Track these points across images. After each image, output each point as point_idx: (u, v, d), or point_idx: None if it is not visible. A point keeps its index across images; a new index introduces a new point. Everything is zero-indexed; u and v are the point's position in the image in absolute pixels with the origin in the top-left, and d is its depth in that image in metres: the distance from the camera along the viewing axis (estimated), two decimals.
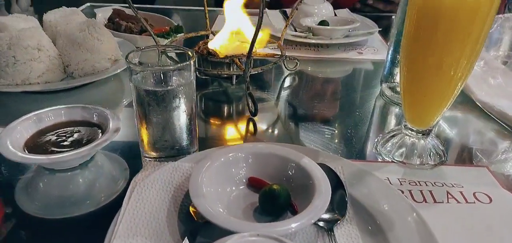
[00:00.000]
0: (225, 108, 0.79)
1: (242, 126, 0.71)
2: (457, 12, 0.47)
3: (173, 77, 0.50)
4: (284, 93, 0.84)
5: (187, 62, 0.47)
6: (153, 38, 0.76)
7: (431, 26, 0.49)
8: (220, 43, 0.78)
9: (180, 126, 0.52)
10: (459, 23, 0.48)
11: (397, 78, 0.79)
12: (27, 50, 0.69)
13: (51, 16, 0.84)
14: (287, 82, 0.89)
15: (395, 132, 0.63)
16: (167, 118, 0.50)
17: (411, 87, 0.55)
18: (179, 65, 0.47)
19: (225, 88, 0.83)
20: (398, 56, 0.77)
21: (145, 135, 0.52)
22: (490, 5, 0.47)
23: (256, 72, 0.75)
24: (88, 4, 1.39)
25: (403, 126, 0.61)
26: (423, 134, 0.59)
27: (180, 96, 0.49)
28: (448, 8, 0.47)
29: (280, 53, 0.84)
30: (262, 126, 0.71)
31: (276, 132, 0.70)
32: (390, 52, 0.79)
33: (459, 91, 0.54)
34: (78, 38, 0.74)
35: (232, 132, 0.71)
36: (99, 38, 0.76)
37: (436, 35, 0.49)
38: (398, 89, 0.77)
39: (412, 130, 0.59)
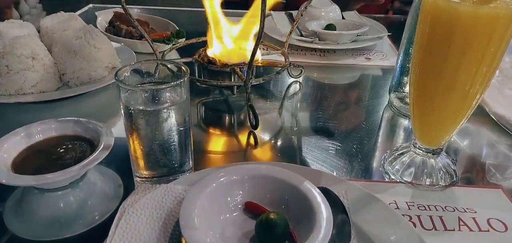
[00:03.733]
0: (225, 118, 0.76)
1: (242, 139, 0.68)
2: (474, 25, 0.43)
3: (166, 94, 0.47)
4: (287, 103, 0.81)
5: (181, 79, 0.44)
6: (150, 45, 0.73)
7: (444, 41, 0.45)
8: (220, 50, 0.75)
9: (174, 145, 0.49)
10: (475, 37, 0.44)
11: (407, 88, 0.75)
12: (21, 59, 0.67)
13: (48, 21, 0.81)
14: (291, 91, 0.86)
15: (403, 150, 0.59)
16: (159, 137, 0.48)
17: (421, 104, 0.52)
18: (172, 83, 0.43)
19: (226, 96, 0.80)
20: (408, 65, 0.73)
21: (136, 154, 0.49)
22: (510, 17, 0.43)
23: (258, 83, 0.72)
24: (91, 5, 1.37)
25: (412, 144, 0.57)
26: (433, 153, 0.55)
27: (173, 114, 0.47)
28: (463, 21, 0.43)
29: (283, 61, 0.81)
30: (263, 139, 0.68)
31: (278, 146, 0.67)
32: (399, 60, 0.75)
33: (473, 110, 0.50)
34: (74, 46, 0.72)
35: (231, 146, 0.68)
36: (96, 46, 0.73)
37: (450, 50, 0.45)
38: (408, 100, 0.73)
39: (421, 148, 0.56)
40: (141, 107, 0.45)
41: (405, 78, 0.75)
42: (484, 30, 0.43)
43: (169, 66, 0.51)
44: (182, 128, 0.48)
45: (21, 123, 0.70)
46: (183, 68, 0.46)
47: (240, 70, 0.72)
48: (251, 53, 0.63)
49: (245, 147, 0.67)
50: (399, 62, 0.75)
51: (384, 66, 0.98)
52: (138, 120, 0.46)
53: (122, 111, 0.47)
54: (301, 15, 0.80)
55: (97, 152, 0.51)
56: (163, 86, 0.44)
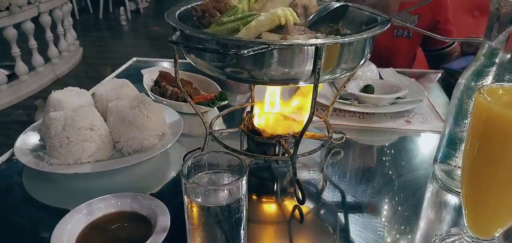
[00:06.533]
0: (269, 187, 0.78)
1: (287, 210, 0.70)
2: None
3: (228, 186, 0.50)
4: (330, 172, 0.81)
5: (243, 176, 0.47)
6: (199, 115, 0.76)
7: (500, 143, 0.46)
8: (266, 120, 0.78)
9: (230, 229, 0.51)
10: None
11: (454, 161, 0.73)
12: (80, 131, 0.71)
13: (102, 89, 0.86)
14: (332, 157, 0.86)
15: (454, 238, 0.59)
16: (219, 223, 0.50)
17: (475, 199, 0.52)
18: (234, 180, 0.46)
19: (269, 163, 0.82)
20: (456, 137, 0.72)
21: (195, 237, 0.52)
22: None
23: (303, 157, 0.73)
24: (135, 59, 1.43)
25: (463, 231, 0.57)
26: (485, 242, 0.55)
27: (233, 205, 0.49)
28: None
29: (326, 131, 0.82)
30: (308, 212, 0.69)
31: (324, 221, 0.68)
32: (446, 132, 0.74)
33: None
34: (128, 116, 0.76)
35: (278, 217, 0.69)
36: (149, 116, 0.77)
37: (505, 152, 0.46)
38: (455, 175, 0.72)
39: (473, 237, 0.55)
40: (204, 204, 0.47)
41: (452, 151, 0.74)
42: None
43: (231, 156, 0.53)
44: (239, 215, 0.50)
45: (77, 189, 0.74)
46: (243, 162, 0.48)
47: (285, 141, 0.74)
48: (299, 133, 0.65)
49: (289, 219, 0.68)
50: (446, 134, 0.74)
51: (425, 130, 0.98)
52: (200, 210, 0.48)
53: (185, 200, 0.49)
54: (344, 87, 0.82)
55: (154, 235, 0.54)
56: (226, 184, 0.46)
